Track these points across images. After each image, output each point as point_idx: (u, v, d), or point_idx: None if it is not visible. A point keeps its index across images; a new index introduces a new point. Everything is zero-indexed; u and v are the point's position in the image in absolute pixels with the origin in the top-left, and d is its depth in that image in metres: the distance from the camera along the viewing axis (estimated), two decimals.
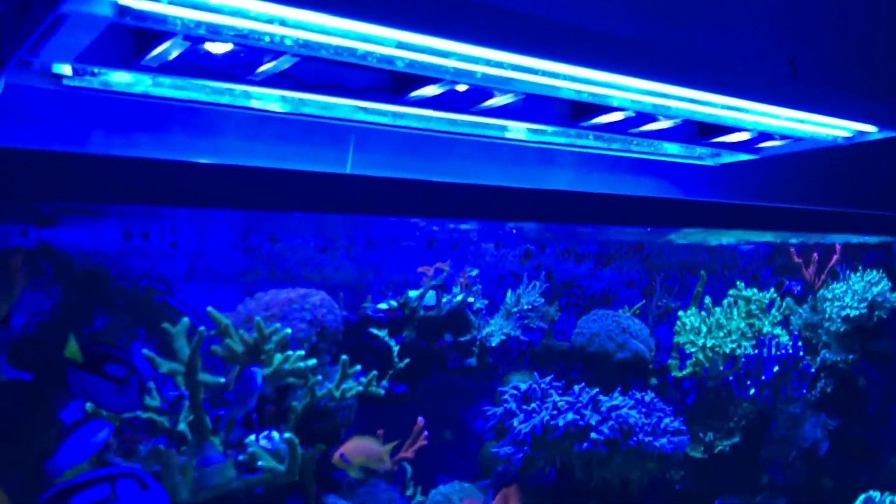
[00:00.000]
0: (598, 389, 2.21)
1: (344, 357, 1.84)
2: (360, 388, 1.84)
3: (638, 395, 2.31)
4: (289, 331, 1.71)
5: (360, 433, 2.25)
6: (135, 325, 2.08)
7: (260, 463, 1.56)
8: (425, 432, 2.16)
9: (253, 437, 1.70)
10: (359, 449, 1.63)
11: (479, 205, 1.58)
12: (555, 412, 2.06)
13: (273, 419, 1.78)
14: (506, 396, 2.18)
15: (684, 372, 2.72)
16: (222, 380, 1.62)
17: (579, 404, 2.09)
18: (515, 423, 2.08)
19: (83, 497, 1.25)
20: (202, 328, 1.57)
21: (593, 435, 2.02)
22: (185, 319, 1.66)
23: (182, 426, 1.68)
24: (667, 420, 2.25)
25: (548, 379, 2.26)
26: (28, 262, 2.00)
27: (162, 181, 1.28)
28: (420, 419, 2.20)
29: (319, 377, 1.78)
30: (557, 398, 2.12)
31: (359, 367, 1.85)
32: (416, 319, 2.36)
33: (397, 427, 2.23)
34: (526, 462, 2.07)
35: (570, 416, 2.04)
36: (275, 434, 1.74)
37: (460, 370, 2.40)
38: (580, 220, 1.85)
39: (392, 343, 2.27)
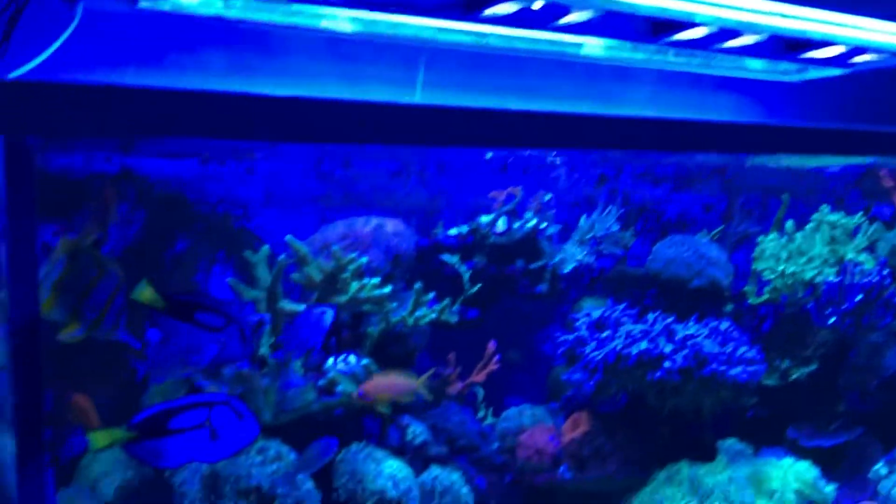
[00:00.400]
0: (672, 318, 2.17)
1: (417, 285, 1.85)
2: (434, 315, 1.85)
3: (713, 324, 2.27)
4: (364, 260, 1.72)
5: (432, 357, 2.30)
6: (214, 250, 2.13)
7: (339, 388, 1.60)
8: (496, 356, 2.19)
9: (331, 360, 1.74)
10: (382, 385, 1.61)
11: (556, 134, 1.53)
12: (628, 340, 2.05)
13: (349, 344, 1.81)
14: (578, 323, 2.17)
15: (761, 299, 2.65)
16: (302, 307, 1.66)
17: (653, 333, 2.06)
18: (587, 350, 2.08)
19: (181, 420, 1.29)
20: (282, 256, 1.60)
21: (667, 364, 2.00)
22: (266, 247, 1.68)
23: (264, 350, 1.72)
24: (742, 349, 2.21)
25: (621, 306, 2.23)
26: (112, 187, 2.05)
27: (235, 115, 1.27)
28: (491, 343, 2.21)
29: (394, 304, 1.80)
30: (631, 326, 2.10)
31: (431, 295, 1.86)
32: (486, 245, 2.35)
33: (468, 351, 2.26)
34: (597, 389, 2.07)
35: (643, 344, 2.02)
36: (351, 358, 1.78)
37: (531, 296, 2.40)
38: (660, 147, 1.78)
39: (463, 269, 2.28)
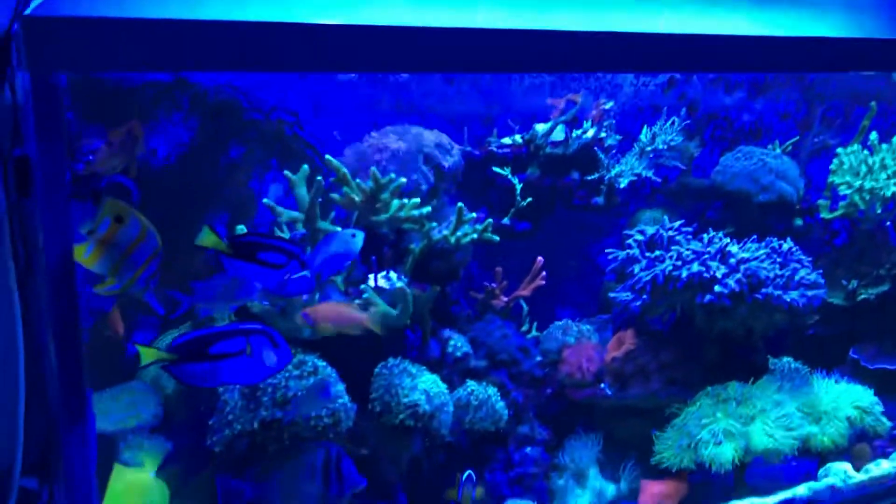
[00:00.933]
0: (728, 239, 2.09)
1: (460, 204, 1.82)
2: (475, 235, 1.83)
3: (775, 243, 2.17)
4: (403, 180, 1.70)
5: (481, 270, 2.29)
6: (267, 157, 2.14)
7: (374, 310, 1.63)
8: (543, 272, 2.17)
9: (371, 277, 1.77)
10: (328, 314, 1.58)
11: (632, 56, 1.42)
12: (678, 262, 1.98)
13: (391, 261, 1.83)
14: (630, 241, 2.11)
15: (835, 214, 2.51)
16: (339, 229, 1.67)
17: (706, 255, 1.99)
18: (636, 269, 2.03)
19: (221, 346, 1.35)
20: (319, 178, 1.60)
21: (717, 288, 1.94)
22: (305, 167, 1.68)
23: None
24: (803, 272, 2.11)
25: (676, 224, 2.15)
26: (167, 95, 2.07)
27: (287, 46, 1.22)
28: (539, 259, 2.19)
29: (434, 224, 1.79)
30: (684, 246, 2.03)
31: (473, 215, 1.84)
32: (541, 156, 2.28)
33: (518, 263, 2.24)
34: (644, 309, 2.04)
35: (694, 267, 1.95)
36: (392, 274, 1.79)
37: (586, 208, 2.34)
38: (751, 68, 1.64)
39: (515, 180, 2.23)
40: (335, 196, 1.68)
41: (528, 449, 1.92)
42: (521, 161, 2.29)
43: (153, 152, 2.03)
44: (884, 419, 2.12)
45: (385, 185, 1.64)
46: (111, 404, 1.84)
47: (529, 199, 2.23)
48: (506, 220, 2.24)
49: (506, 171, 2.21)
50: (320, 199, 1.63)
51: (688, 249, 2.01)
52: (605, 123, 2.33)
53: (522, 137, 2.27)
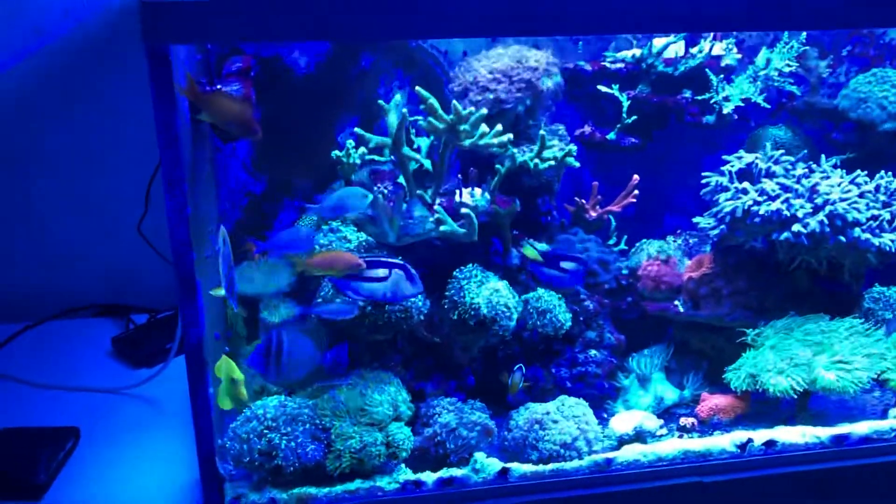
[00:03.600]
0: (824, 174, 2.00)
1: (542, 132, 1.90)
2: (553, 162, 1.92)
3: (885, 181, 2.04)
4: (484, 111, 1.81)
5: (578, 184, 2.37)
6: (393, 66, 2.30)
7: (442, 228, 1.81)
8: (636, 190, 2.21)
9: (457, 192, 1.94)
10: (324, 261, 1.75)
11: None
12: (762, 197, 1.96)
13: (478, 178, 1.98)
14: (724, 167, 2.08)
15: None
16: (418, 156, 1.83)
17: (791, 193, 1.94)
18: (722, 198, 2.03)
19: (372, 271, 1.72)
20: (405, 110, 1.75)
21: (796, 227, 1.90)
22: (398, 96, 1.84)
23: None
24: None
25: (777, 154, 2.09)
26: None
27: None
28: (635, 176, 2.23)
29: (513, 150, 1.89)
30: (770, 182, 1.98)
31: (555, 142, 1.90)
32: (652, 73, 2.25)
33: (628, 175, 2.29)
34: (723, 237, 2.05)
35: (774, 205, 1.92)
36: (477, 191, 1.95)
37: (697, 125, 2.29)
38: None
39: (623, 97, 2.23)
40: (421, 122, 1.83)
41: (593, 352, 2.08)
42: (633, 77, 2.28)
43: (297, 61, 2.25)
44: None
45: (465, 117, 1.77)
46: (254, 273, 2.22)
47: (635, 117, 2.24)
48: (611, 136, 2.28)
49: (613, 89, 2.23)
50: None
51: (774, 184, 1.97)
52: (726, 42, 2.24)
53: (633, 57, 2.24)
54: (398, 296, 1.77)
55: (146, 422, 2.07)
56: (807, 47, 2.27)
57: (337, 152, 1.96)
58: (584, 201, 2.21)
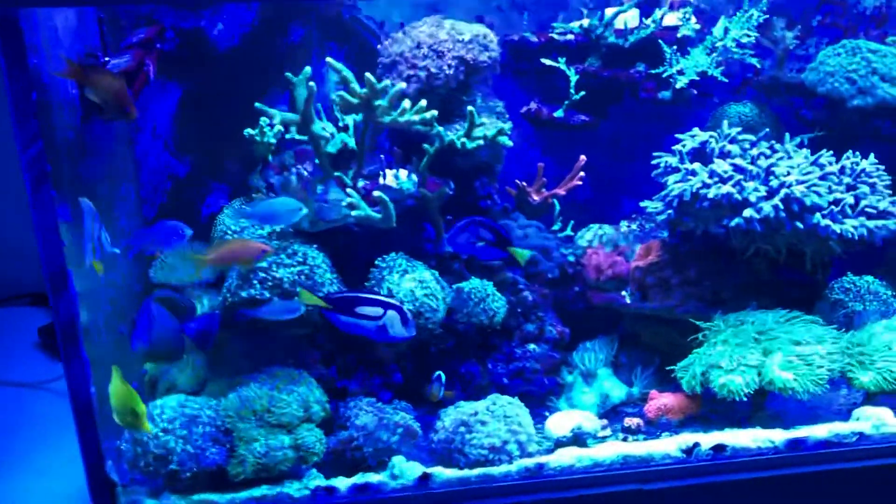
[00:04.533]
0: (783, 153, 1.82)
1: (470, 108, 1.73)
2: (481, 141, 1.74)
3: (850, 161, 1.86)
4: (402, 85, 1.63)
5: (528, 166, 2.19)
6: (326, 39, 2.13)
7: (355, 213, 1.65)
8: (582, 172, 2.03)
9: (381, 175, 1.77)
10: (225, 254, 1.61)
11: None
12: (714, 179, 1.77)
13: (402, 159, 1.81)
14: (676, 147, 1.90)
15: None
16: (331, 133, 1.66)
17: (744, 175, 1.76)
18: (670, 181, 1.85)
19: (365, 309, 1.64)
20: (312, 84, 1.58)
21: (747, 212, 1.73)
22: (308, 69, 1.67)
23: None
24: (872, 198, 1.81)
25: (733, 132, 1.90)
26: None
27: None
28: (581, 157, 2.05)
29: (439, 128, 1.71)
30: (724, 163, 1.80)
31: (485, 121, 1.73)
32: (602, 46, 2.06)
33: (571, 159, 2.11)
34: (672, 223, 1.88)
35: (724, 188, 1.74)
36: (402, 172, 1.79)
37: (654, 102, 2.11)
38: None
39: (571, 72, 2.05)
40: (333, 97, 1.67)
41: (532, 346, 1.92)
42: (581, 50, 2.09)
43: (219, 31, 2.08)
44: None
45: (381, 92, 1.60)
46: (175, 262, 2.07)
47: (583, 93, 2.06)
48: (559, 113, 2.11)
49: (560, 62, 2.04)
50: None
51: (727, 166, 1.78)
52: (682, 11, 2.05)
53: (580, 27, 2.06)
54: (388, 337, 1.66)
55: (58, 419, 1.93)
56: (772, 17, 2.09)
57: (250, 130, 1.80)
58: (525, 184, 2.03)
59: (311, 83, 1.59)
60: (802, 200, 1.73)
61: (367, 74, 1.61)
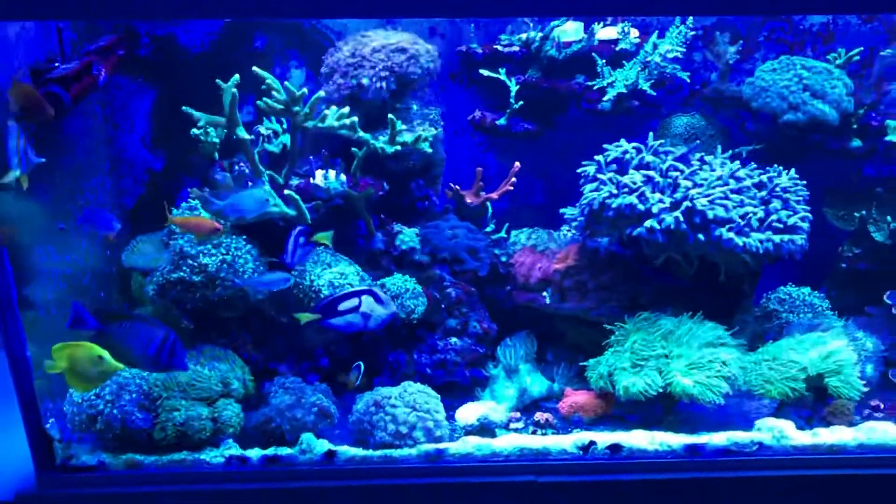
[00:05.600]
0: (693, 168, 1.86)
1: (391, 116, 1.84)
2: (399, 147, 1.85)
3: (767, 176, 1.89)
4: (321, 94, 1.76)
5: (483, 168, 2.28)
6: (287, 47, 2.28)
7: (271, 209, 1.79)
8: (514, 178, 2.12)
9: (313, 176, 1.91)
10: (189, 224, 1.77)
11: None
12: (623, 189, 1.83)
13: (327, 160, 1.93)
14: (597, 157, 1.97)
15: None
16: (269, 131, 1.82)
17: (649, 187, 1.81)
18: (586, 189, 1.92)
19: (345, 304, 1.78)
20: (234, 92, 1.72)
21: (648, 223, 1.78)
22: (236, 76, 1.81)
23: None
24: (784, 213, 1.84)
25: (656, 143, 1.95)
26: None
27: None
28: (516, 164, 2.14)
29: (360, 133, 1.83)
30: (637, 173, 1.85)
31: (403, 127, 1.83)
32: (543, 58, 2.14)
33: (529, 161, 2.20)
34: (591, 231, 1.94)
35: (628, 198, 1.80)
36: (331, 173, 1.92)
37: (595, 112, 2.17)
38: None
39: (512, 82, 2.13)
40: (259, 103, 1.81)
41: (454, 339, 2.02)
42: (523, 62, 2.18)
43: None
44: (853, 385, 1.86)
45: (299, 98, 1.74)
46: (145, 247, 2.26)
47: (521, 102, 2.14)
48: (501, 121, 2.20)
49: (500, 73, 2.13)
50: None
51: (635, 178, 1.84)
52: (621, 25, 2.10)
53: (520, 40, 2.14)
54: (375, 321, 1.80)
55: None
56: (716, 32, 2.12)
57: (195, 130, 1.96)
58: (458, 188, 2.14)
59: (234, 90, 1.74)
60: (704, 213, 1.78)
61: (286, 83, 1.75)
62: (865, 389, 1.87)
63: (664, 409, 1.92)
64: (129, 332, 1.57)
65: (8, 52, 1.64)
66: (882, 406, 1.95)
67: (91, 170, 2.11)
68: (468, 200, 2.13)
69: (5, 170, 1.56)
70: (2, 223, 1.62)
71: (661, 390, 1.82)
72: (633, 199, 1.79)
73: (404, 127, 1.89)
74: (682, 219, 1.77)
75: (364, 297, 1.78)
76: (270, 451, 1.80)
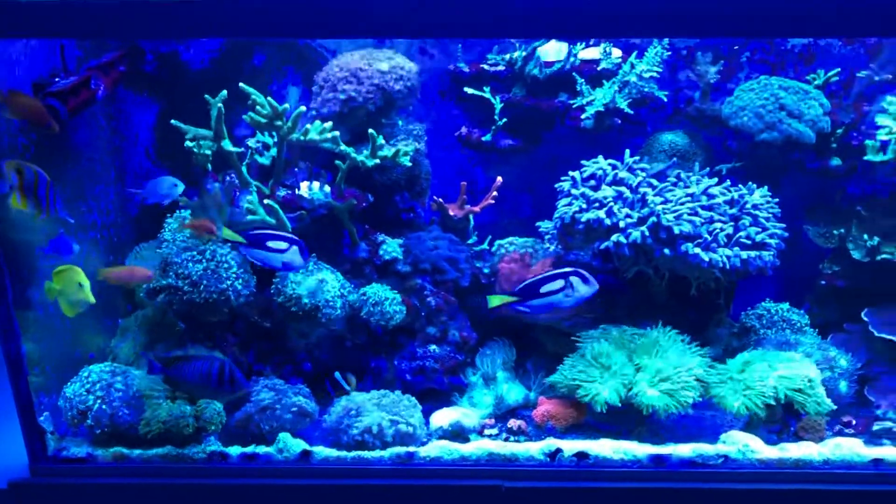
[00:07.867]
0: (665, 185, 1.90)
1: (371, 131, 1.92)
2: (378, 160, 1.92)
3: (738, 193, 1.92)
4: (302, 109, 1.84)
5: (471, 182, 2.34)
6: (284, 63, 2.38)
7: (251, 217, 1.88)
8: (495, 192, 2.18)
9: (299, 186, 2.00)
10: (120, 275, 1.88)
11: None
12: (594, 204, 1.88)
13: (310, 172, 2.02)
14: (572, 173, 2.02)
15: (883, 158, 2.07)
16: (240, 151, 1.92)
17: (618, 203, 1.86)
18: (560, 203, 1.97)
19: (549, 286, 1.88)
20: (220, 107, 1.82)
21: (614, 237, 1.83)
22: (223, 92, 1.90)
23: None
24: (752, 230, 1.87)
25: (631, 160, 2.00)
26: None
27: None
28: (498, 178, 2.20)
29: (342, 146, 1.91)
30: (609, 189, 1.90)
31: (383, 143, 1.90)
32: (526, 76, 2.20)
33: (508, 180, 2.27)
34: (564, 244, 1.99)
35: (595, 213, 1.85)
36: (315, 184, 2.00)
37: (578, 129, 2.23)
38: None
39: (496, 100, 2.20)
40: (245, 117, 1.90)
41: (433, 347, 2.08)
42: (508, 81, 2.24)
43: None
44: (820, 401, 1.87)
45: (282, 113, 1.83)
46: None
47: (505, 119, 2.21)
48: (487, 137, 2.26)
49: (485, 91, 2.20)
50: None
51: (605, 193, 1.89)
52: (603, 46, 2.16)
53: (504, 61, 2.21)
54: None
55: None
56: (697, 52, 2.16)
57: (189, 143, 2.06)
58: (441, 200, 2.20)
59: (220, 105, 1.84)
60: (671, 228, 1.82)
61: (268, 98, 1.85)
62: (832, 406, 1.88)
63: (637, 419, 1.96)
64: (189, 370, 1.72)
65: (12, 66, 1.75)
66: (853, 422, 1.96)
67: (97, 178, 2.23)
68: (452, 213, 2.19)
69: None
70: (10, 227, 1.74)
71: (626, 401, 1.86)
72: (601, 213, 1.85)
73: (384, 143, 1.96)
74: (647, 233, 1.81)
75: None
76: (250, 448, 1.88)
